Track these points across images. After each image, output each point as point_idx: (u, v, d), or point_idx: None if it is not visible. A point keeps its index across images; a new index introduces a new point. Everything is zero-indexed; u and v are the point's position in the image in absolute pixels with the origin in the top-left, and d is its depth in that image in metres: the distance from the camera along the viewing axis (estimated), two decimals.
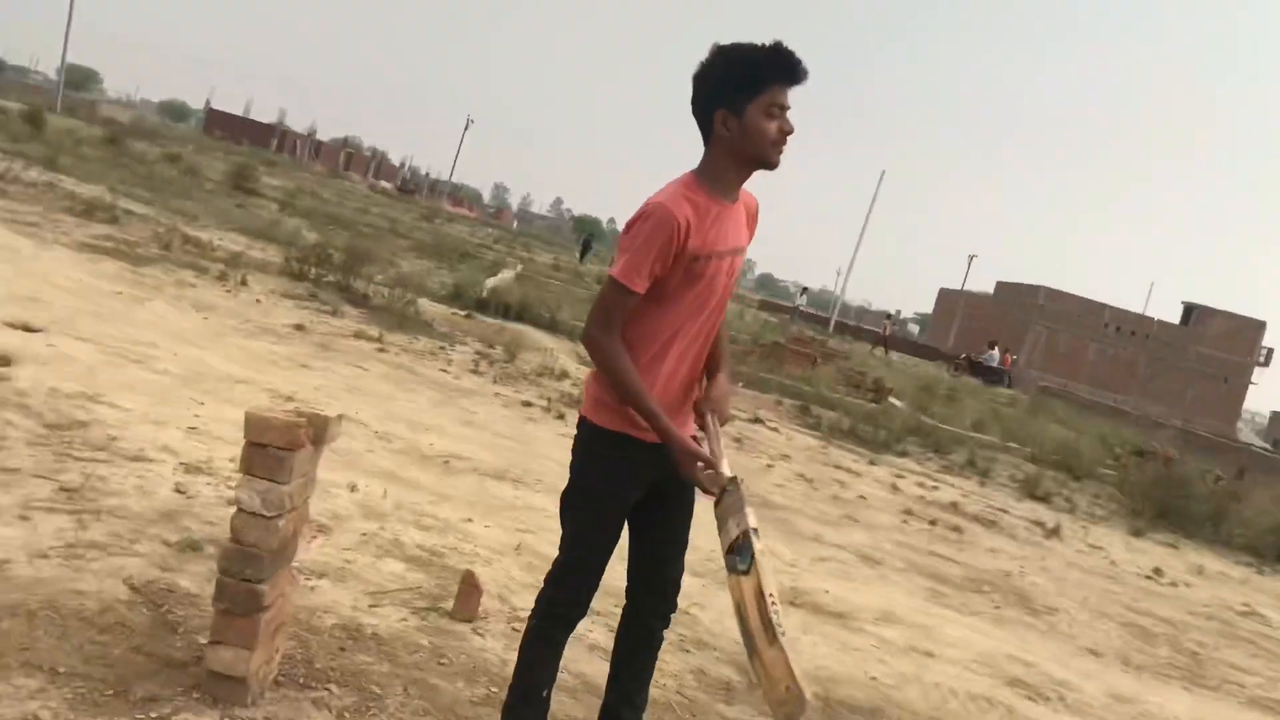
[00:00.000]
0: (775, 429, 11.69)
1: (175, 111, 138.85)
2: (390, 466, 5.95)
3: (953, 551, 8.01)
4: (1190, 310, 68.03)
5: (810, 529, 7.48)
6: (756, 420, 11.83)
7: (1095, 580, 8.42)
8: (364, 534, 4.64)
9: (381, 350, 9.70)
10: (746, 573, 2.42)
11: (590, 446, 2.81)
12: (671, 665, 4.10)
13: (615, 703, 2.99)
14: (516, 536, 5.28)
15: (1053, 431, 19.02)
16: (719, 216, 2.69)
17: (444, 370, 9.68)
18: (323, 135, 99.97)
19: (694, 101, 2.70)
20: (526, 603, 4.22)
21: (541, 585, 2.91)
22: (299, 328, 9.66)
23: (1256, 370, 68.07)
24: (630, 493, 2.80)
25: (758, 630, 2.31)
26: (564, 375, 11.12)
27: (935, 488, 10.67)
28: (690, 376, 2.80)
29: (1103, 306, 65.73)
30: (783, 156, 2.69)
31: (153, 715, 2.76)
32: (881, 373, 22.69)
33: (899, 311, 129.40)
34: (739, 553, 2.47)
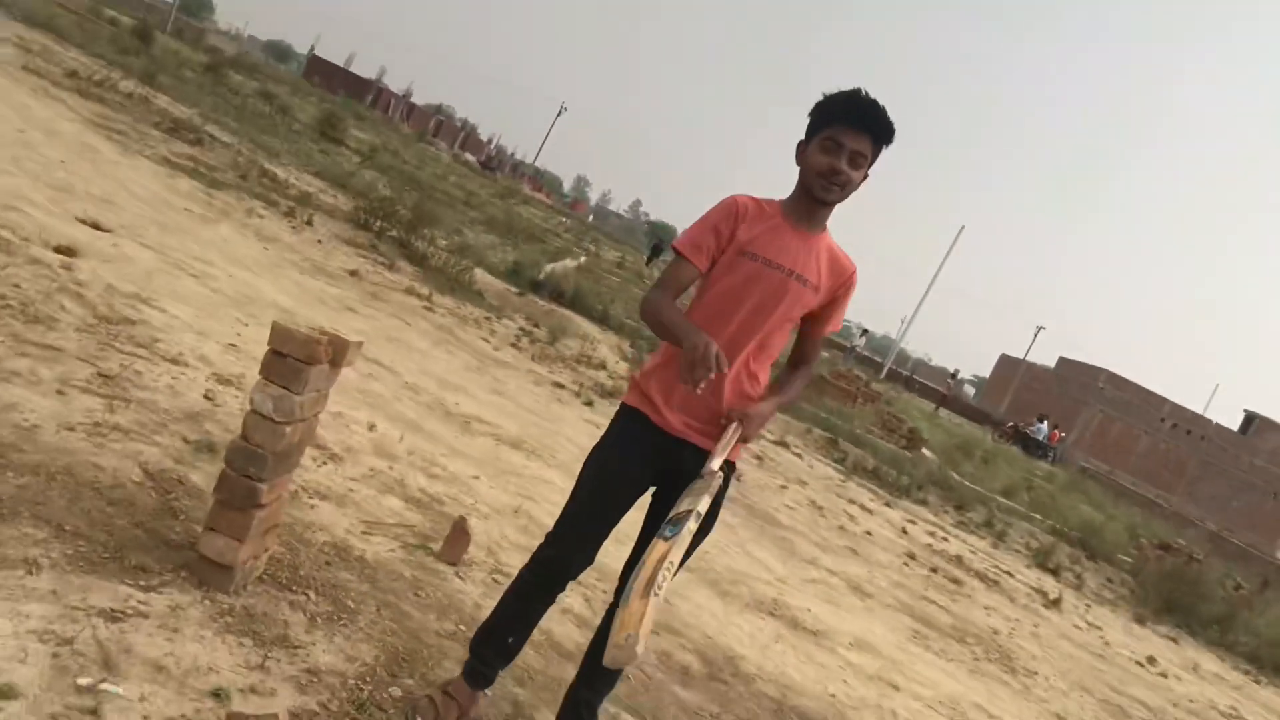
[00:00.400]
0: (799, 455, 11.78)
1: (280, 52, 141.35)
2: (413, 416, 6.15)
3: (946, 601, 8.07)
4: (1251, 419, 66.79)
5: (808, 552, 7.58)
6: (782, 444, 11.93)
7: (1084, 655, 8.43)
8: (372, 469, 4.84)
9: (429, 309, 9.94)
10: (667, 540, 2.55)
11: (612, 420, 2.98)
12: None
13: (579, 684, 3.11)
14: (518, 500, 5.45)
15: (1081, 511, 18.89)
16: (780, 230, 2.82)
17: (485, 339, 9.90)
18: (418, 99, 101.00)
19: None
20: (513, 560, 4.41)
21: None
22: (353, 273, 9.93)
23: None
24: (631, 466, 2.90)
25: (641, 584, 2.43)
26: (601, 366, 11.29)
27: (945, 539, 10.71)
28: (720, 376, 2.76)
29: (1163, 400, 64.73)
30: (835, 195, 2.78)
31: (140, 583, 2.96)
32: (922, 424, 22.65)
33: (958, 371, 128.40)
34: (674, 524, 2.60)
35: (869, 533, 9.26)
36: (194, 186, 10.32)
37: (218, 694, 2.61)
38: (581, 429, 8.05)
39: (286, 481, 3.26)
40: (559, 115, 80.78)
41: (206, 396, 4.74)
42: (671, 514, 2.64)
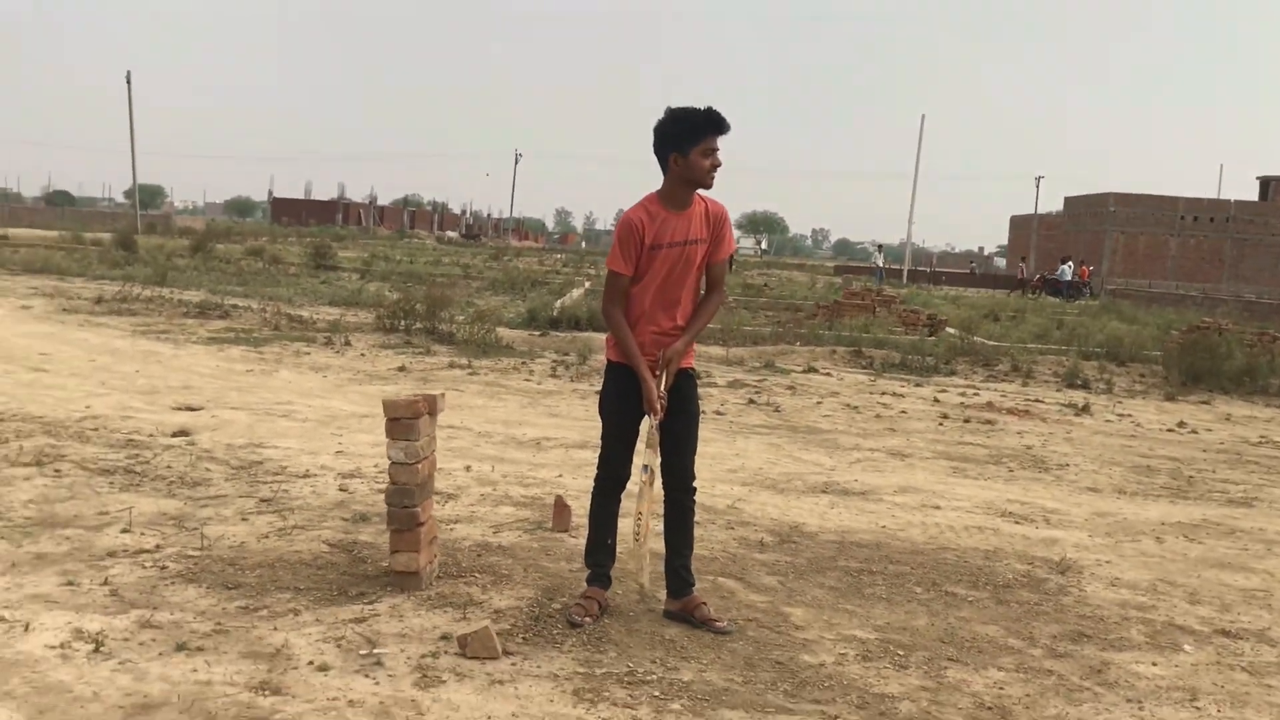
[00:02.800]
0: (828, 374, 13.04)
1: (241, 207, 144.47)
2: (494, 453, 7.51)
3: (981, 439, 9.31)
4: (1267, 183, 66.91)
5: (850, 442, 8.85)
6: (810, 369, 13.19)
7: (1115, 441, 9.62)
8: (482, 494, 6.19)
9: (472, 374, 11.33)
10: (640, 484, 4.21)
11: (605, 373, 4.36)
12: (718, 536, 5.56)
13: (670, 555, 4.46)
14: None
15: (1112, 328, 19.93)
16: (666, 220, 4.19)
17: (527, 380, 11.26)
18: (383, 200, 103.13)
19: (655, 146, 4.20)
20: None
21: None
22: (401, 369, 11.35)
23: None
24: (625, 404, 4.29)
25: (640, 533, 4.20)
26: None
27: (976, 394, 11.93)
28: (657, 330, 4.26)
29: (1175, 199, 65.08)
30: (715, 179, 4.17)
31: (366, 599, 4.31)
32: (945, 309, 23.79)
33: (982, 249, 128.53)
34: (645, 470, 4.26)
35: (903, 412, 10.50)
36: (243, 351, 11.82)
37: (445, 637, 3.95)
38: None
39: (430, 504, 4.61)
40: (517, 163, 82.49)
41: (341, 489, 6.12)
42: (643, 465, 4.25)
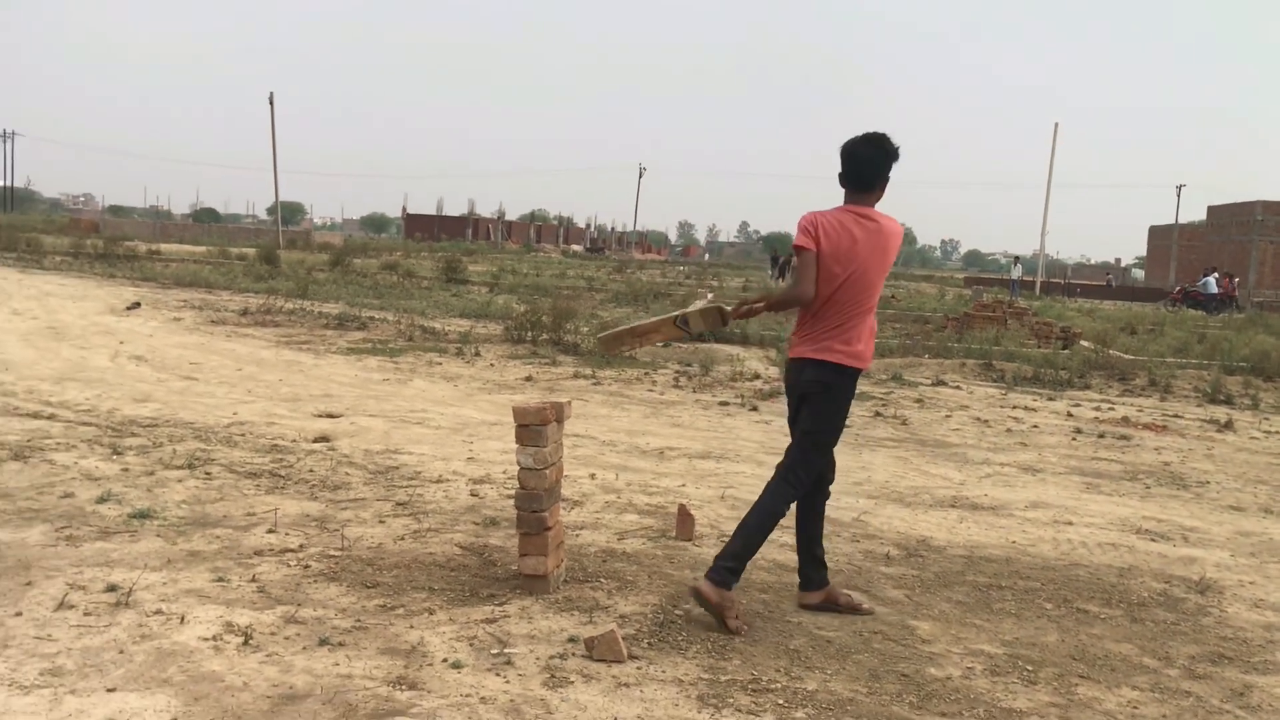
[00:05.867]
0: (957, 387, 12.82)
1: (376, 223, 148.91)
2: (618, 461, 7.62)
3: (1116, 455, 9.03)
4: None
5: (980, 456, 8.69)
6: (940, 382, 12.99)
7: (1260, 459, 9.23)
8: (606, 502, 6.30)
9: (597, 384, 11.49)
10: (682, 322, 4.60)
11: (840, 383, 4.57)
12: (843, 549, 5.54)
13: (808, 543, 4.62)
14: (721, 491, 6.82)
15: (1259, 342, 19.06)
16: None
17: (650, 390, 11.37)
18: (510, 215, 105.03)
19: (881, 163, 4.38)
20: (732, 529, 5.76)
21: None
22: (529, 379, 11.58)
23: None
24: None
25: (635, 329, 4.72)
26: (755, 376, 12.63)
27: (1111, 409, 11.57)
28: None
29: None
30: None
31: (495, 602, 4.44)
32: (1079, 321, 23.12)
33: (1119, 259, 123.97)
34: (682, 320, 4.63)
35: (1035, 426, 10.26)
36: (379, 361, 12.23)
37: (572, 639, 4.05)
38: (754, 429, 9.38)
39: (558, 509, 4.72)
40: (641, 176, 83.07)
41: (473, 494, 6.30)
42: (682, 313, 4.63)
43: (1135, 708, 3.74)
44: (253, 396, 9.49)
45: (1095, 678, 4.00)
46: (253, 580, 4.55)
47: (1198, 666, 4.19)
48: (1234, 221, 64.25)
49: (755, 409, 10.45)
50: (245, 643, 3.84)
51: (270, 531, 5.30)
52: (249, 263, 31.49)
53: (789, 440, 4.59)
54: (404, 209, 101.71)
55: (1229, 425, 10.70)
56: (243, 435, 7.69)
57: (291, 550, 5.03)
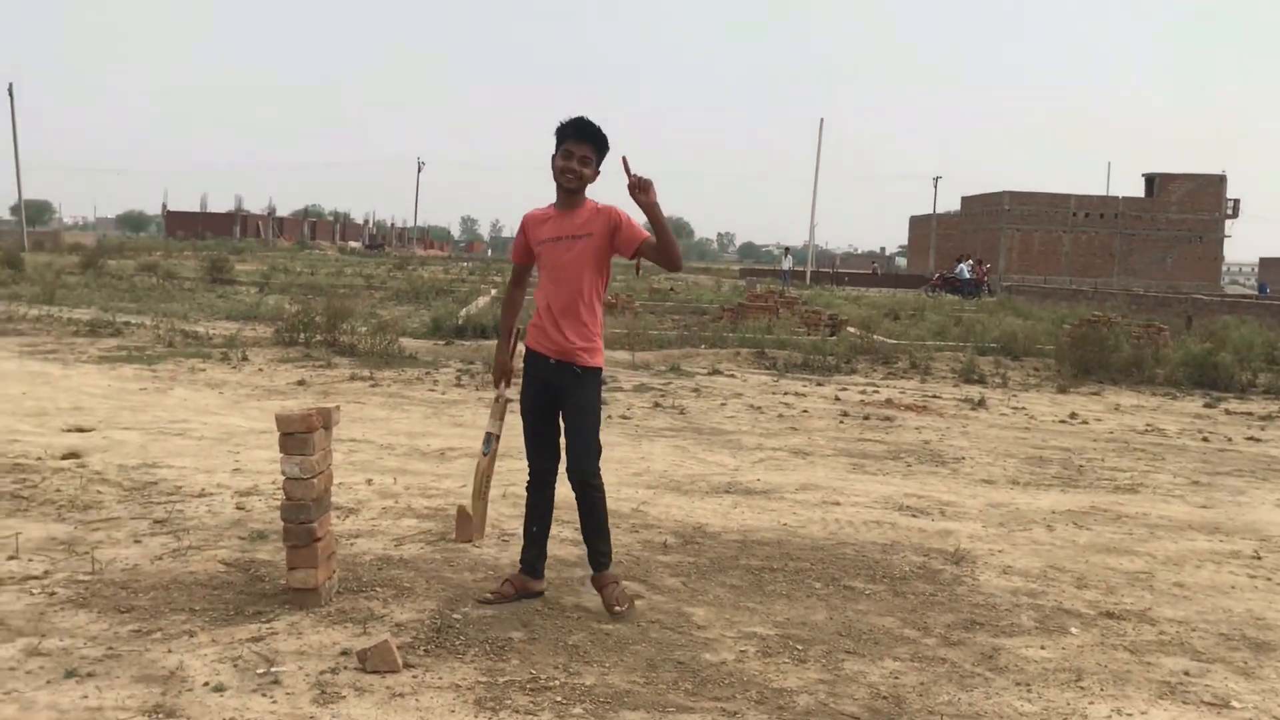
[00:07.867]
0: (732, 375, 13.18)
1: (134, 222, 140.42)
2: (397, 465, 7.43)
3: (880, 435, 9.49)
4: (1151, 180, 69.38)
5: (753, 442, 8.95)
6: (715, 371, 13.32)
7: (1009, 434, 9.90)
8: (384, 508, 6.13)
9: (374, 386, 11.19)
10: (485, 455, 4.68)
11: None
12: (623, 540, 5.58)
13: (583, 536, 4.70)
14: (503, 489, 6.74)
15: (1008, 324, 20.46)
16: (548, 219, 4.53)
17: (431, 390, 11.17)
18: (282, 211, 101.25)
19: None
20: (516, 530, 5.70)
21: None
22: (301, 383, 11.16)
23: (1228, 223, 69.19)
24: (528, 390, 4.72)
25: (478, 489, 4.58)
26: None
27: (876, 391, 12.17)
28: (551, 314, 4.56)
29: (1067, 196, 67.19)
30: (572, 183, 4.44)
31: (264, 617, 4.24)
32: (846, 309, 24.20)
33: (884, 249, 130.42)
34: (485, 443, 4.75)
35: (805, 411, 10.66)
36: (136, 369, 11.50)
37: (345, 652, 3.90)
38: None
39: (329, 518, 4.55)
40: (420, 171, 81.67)
41: (238, 507, 6.00)
42: (484, 436, 4.72)
43: (896, 678, 3.92)
44: None
45: (861, 652, 4.17)
46: None
47: (953, 634, 4.44)
48: (985, 211, 68.85)
49: None
50: None
51: (11, 558, 4.89)
52: None
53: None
54: (164, 206, 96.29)
55: (982, 403, 11.43)
56: None
57: (35, 577, 4.66)
